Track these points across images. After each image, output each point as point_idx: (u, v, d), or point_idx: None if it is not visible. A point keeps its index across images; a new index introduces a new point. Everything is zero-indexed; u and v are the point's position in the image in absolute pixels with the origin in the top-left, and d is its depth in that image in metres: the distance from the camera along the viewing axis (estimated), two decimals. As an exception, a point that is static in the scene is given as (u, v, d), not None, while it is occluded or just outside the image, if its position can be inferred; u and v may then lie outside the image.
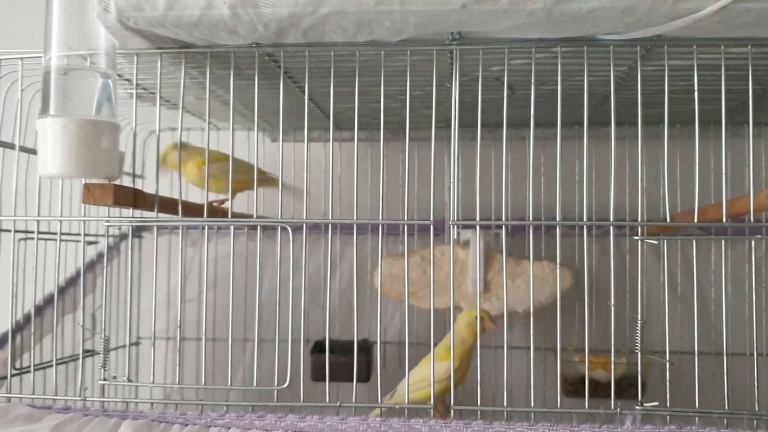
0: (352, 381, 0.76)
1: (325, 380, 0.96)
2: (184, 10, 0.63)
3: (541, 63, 0.74)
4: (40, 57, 0.67)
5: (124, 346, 1.05)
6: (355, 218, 0.72)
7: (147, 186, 1.10)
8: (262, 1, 0.61)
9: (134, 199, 0.68)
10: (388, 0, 0.61)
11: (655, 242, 0.75)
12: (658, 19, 0.62)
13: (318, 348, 1.08)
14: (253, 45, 0.70)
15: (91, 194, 0.65)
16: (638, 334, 0.71)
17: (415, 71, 0.77)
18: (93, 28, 0.67)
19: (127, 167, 0.73)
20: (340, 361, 0.87)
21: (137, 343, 1.12)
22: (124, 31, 0.66)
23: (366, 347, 1.05)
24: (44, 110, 0.64)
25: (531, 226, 0.90)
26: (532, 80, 0.70)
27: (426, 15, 0.63)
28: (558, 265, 0.81)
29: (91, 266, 0.97)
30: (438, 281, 1.04)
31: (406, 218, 0.72)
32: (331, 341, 1.11)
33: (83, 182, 0.68)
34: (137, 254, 1.13)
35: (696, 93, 0.71)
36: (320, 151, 1.16)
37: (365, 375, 1.02)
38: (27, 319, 0.79)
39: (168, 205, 0.76)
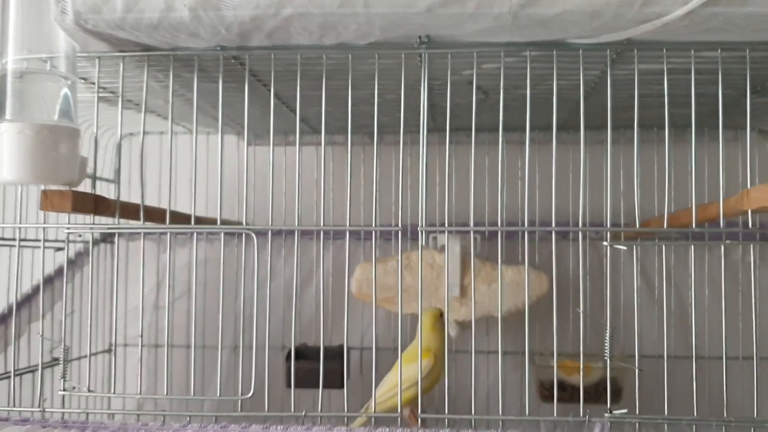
0: (326, 388, 0.75)
1: (304, 387, 0.96)
2: (143, 12, 0.61)
3: (512, 67, 0.73)
4: (-1, 60, 0.65)
5: (94, 354, 1.03)
6: (322, 224, 0.70)
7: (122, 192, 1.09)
8: (224, 4, 0.60)
9: (95, 205, 0.66)
10: (351, 2, 0.60)
11: (624, 248, 0.74)
12: (626, 23, 0.62)
13: (295, 355, 1.07)
14: (218, 48, 0.68)
15: (49, 201, 0.64)
16: (606, 340, 0.70)
17: (386, 75, 0.76)
18: (52, 30, 0.66)
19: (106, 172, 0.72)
20: (314, 368, 0.86)
21: (110, 350, 1.10)
22: (83, 34, 0.64)
23: (341, 353, 1.04)
24: (0, 114, 0.63)
25: (504, 232, 0.89)
26: (501, 84, 0.69)
27: (391, 18, 0.61)
28: (526, 270, 0.80)
29: (59, 273, 0.95)
30: (414, 286, 1.03)
31: (374, 224, 0.71)
32: (306, 348, 1.11)
33: (41, 188, 0.66)
34: (108, 260, 1.11)
35: (666, 97, 0.70)
36: (296, 155, 1.14)
37: (339, 382, 1.01)
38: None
39: (132, 210, 0.74)
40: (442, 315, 0.90)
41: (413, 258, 1.06)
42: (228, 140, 1.17)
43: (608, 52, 0.69)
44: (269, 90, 0.86)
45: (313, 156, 1.16)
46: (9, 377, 0.78)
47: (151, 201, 0.77)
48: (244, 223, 0.71)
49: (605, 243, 0.71)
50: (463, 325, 1.06)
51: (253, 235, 0.69)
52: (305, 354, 1.07)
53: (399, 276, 0.74)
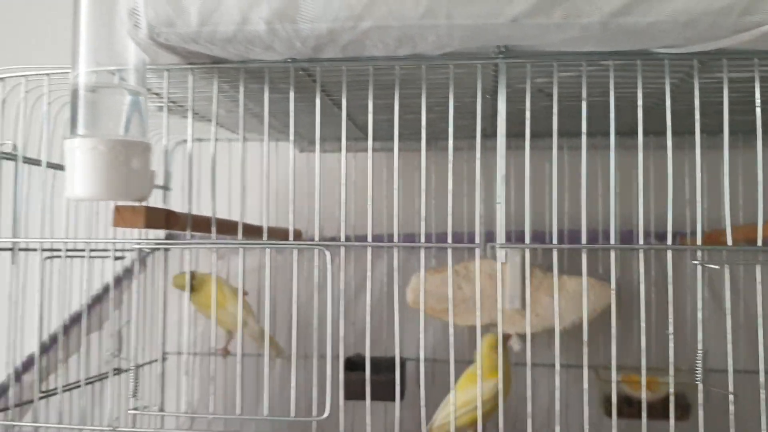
0: (381, 400, 0.73)
1: (356, 398, 0.94)
2: (218, 25, 0.60)
3: (589, 76, 0.71)
4: (67, 73, 0.64)
5: (148, 364, 1.03)
6: (396, 241, 0.68)
7: (173, 198, 1.08)
8: (301, 17, 0.58)
9: (166, 220, 0.65)
10: (434, 13, 0.58)
11: (716, 267, 0.71)
12: (722, 32, 0.59)
13: (348, 365, 1.05)
14: (289, 60, 0.67)
15: (121, 217, 0.63)
16: (698, 363, 0.68)
17: (454, 84, 0.73)
18: (122, 43, 0.64)
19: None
20: (374, 380, 0.84)
21: (163, 359, 1.09)
22: (155, 47, 0.63)
23: (400, 364, 1.02)
24: (72, 130, 0.61)
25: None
26: (584, 95, 0.66)
27: (473, 29, 0.59)
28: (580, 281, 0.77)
29: (117, 283, 0.94)
30: (473, 297, 1.00)
31: (450, 241, 0.69)
32: (363, 358, 1.09)
33: (113, 204, 0.65)
34: (164, 268, 1.10)
35: (759, 104, 0.67)
36: (349, 162, 1.13)
37: (394, 394, 0.99)
38: (53, 339, 0.77)
39: (200, 223, 0.73)
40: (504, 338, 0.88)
41: (471, 268, 1.03)
42: (282, 147, 1.16)
43: (695, 61, 0.66)
44: (331, 100, 0.84)
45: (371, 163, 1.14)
46: (73, 389, 0.77)
47: (207, 210, 0.76)
48: (316, 238, 0.69)
49: (695, 262, 0.68)
50: (524, 338, 1.04)
51: (327, 252, 0.68)
52: (360, 365, 1.05)
53: (453, 287, 0.71)
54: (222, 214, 0.80)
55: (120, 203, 0.65)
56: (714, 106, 0.74)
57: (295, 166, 0.73)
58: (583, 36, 0.60)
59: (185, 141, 1.10)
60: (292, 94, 0.69)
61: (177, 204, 1.03)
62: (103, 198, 0.61)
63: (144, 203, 0.65)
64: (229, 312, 0.88)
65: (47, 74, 0.70)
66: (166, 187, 1.08)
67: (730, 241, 0.70)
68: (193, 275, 0.86)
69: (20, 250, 0.74)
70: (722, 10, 0.57)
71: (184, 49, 0.64)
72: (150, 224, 0.63)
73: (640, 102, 0.67)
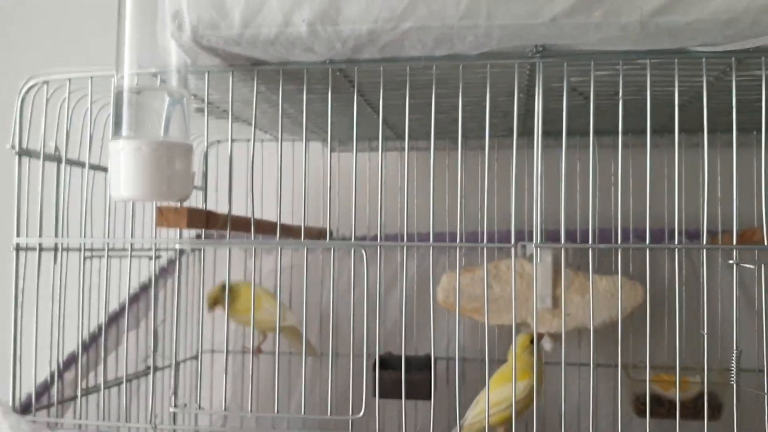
0: (413, 398, 0.74)
1: (388, 397, 0.94)
2: (261, 27, 0.61)
3: (625, 74, 0.71)
4: (110, 76, 0.65)
5: (183, 361, 1.04)
6: (431, 241, 0.69)
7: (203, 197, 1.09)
8: (342, 18, 0.59)
9: (207, 220, 0.66)
10: (474, 14, 0.58)
11: (752, 267, 0.71)
12: (763, 30, 0.59)
13: (379, 364, 1.05)
14: (327, 62, 0.67)
15: (164, 218, 0.64)
16: (733, 363, 0.68)
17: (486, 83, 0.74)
18: (164, 45, 0.66)
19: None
20: (401, 378, 0.84)
21: (196, 357, 1.11)
22: (197, 49, 0.64)
23: (427, 363, 1.02)
24: (116, 132, 0.63)
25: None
26: (620, 93, 0.66)
27: (512, 29, 0.60)
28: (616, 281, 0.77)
29: (154, 281, 0.95)
30: (503, 296, 1.01)
31: (485, 241, 0.69)
32: (393, 357, 1.10)
33: (155, 204, 0.66)
34: (199, 266, 1.12)
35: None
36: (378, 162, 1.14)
37: (426, 392, 1.00)
38: (93, 338, 0.78)
39: (238, 223, 0.74)
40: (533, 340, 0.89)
41: (502, 267, 1.03)
42: (312, 147, 1.17)
43: (732, 59, 0.66)
44: (365, 100, 0.84)
45: (397, 162, 1.15)
46: (113, 386, 0.78)
47: (239, 208, 0.77)
48: (352, 239, 0.70)
49: (731, 261, 0.68)
50: (556, 337, 1.04)
51: (364, 252, 0.68)
52: (391, 363, 1.06)
53: (485, 287, 0.72)
54: (255, 214, 0.81)
55: (162, 204, 0.66)
56: (747, 104, 0.74)
57: (328, 166, 0.74)
58: (621, 35, 0.60)
59: (218, 142, 1.12)
60: (330, 96, 0.70)
61: (210, 203, 1.05)
62: (147, 199, 0.62)
63: (185, 204, 0.66)
64: (266, 310, 0.89)
65: (91, 77, 0.72)
66: (201, 187, 1.09)
67: (767, 241, 0.69)
68: (221, 291, 0.87)
69: (63, 250, 0.75)
70: (764, 8, 0.57)
71: (225, 51, 0.65)
72: (192, 224, 0.64)
73: (676, 101, 0.67)
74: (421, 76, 0.73)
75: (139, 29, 0.64)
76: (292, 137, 1.10)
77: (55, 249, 0.74)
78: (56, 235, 0.73)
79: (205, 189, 1.03)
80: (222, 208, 0.73)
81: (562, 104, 0.86)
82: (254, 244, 0.70)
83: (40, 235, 0.72)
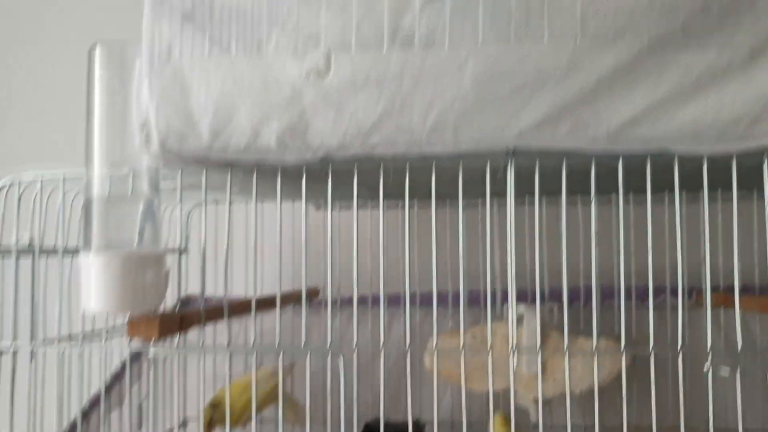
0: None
1: (376, 466, 0.93)
2: (230, 138, 0.61)
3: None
4: (82, 176, 0.65)
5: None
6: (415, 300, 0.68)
7: (190, 261, 1.08)
8: (311, 133, 0.59)
9: (180, 324, 0.66)
10: (442, 127, 0.58)
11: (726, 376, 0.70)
12: (731, 139, 0.58)
13: (367, 430, 1.04)
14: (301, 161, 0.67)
15: (136, 329, 0.63)
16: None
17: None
18: (135, 146, 0.65)
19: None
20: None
21: (184, 424, 1.10)
22: (167, 158, 0.64)
23: (419, 428, 1.02)
24: (86, 245, 0.62)
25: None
26: (592, 195, 0.65)
27: (480, 140, 0.59)
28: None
29: (135, 358, 0.95)
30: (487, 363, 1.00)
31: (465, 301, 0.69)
32: (379, 423, 1.09)
33: (127, 316, 0.66)
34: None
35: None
36: (365, 221, 1.13)
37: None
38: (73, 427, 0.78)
39: (216, 312, 0.73)
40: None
41: (485, 333, 1.03)
42: (297, 206, 1.16)
43: (705, 158, 0.65)
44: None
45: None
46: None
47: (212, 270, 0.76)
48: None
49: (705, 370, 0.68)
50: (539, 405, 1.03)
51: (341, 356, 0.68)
52: (378, 430, 1.05)
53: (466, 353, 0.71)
54: (240, 277, 0.81)
55: (134, 314, 0.65)
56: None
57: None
58: (591, 145, 0.60)
59: (201, 204, 1.12)
60: (304, 188, 0.68)
61: (193, 266, 1.04)
62: (118, 311, 0.62)
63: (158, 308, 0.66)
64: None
65: (63, 178, 0.71)
66: (182, 251, 1.08)
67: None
68: (211, 411, 0.86)
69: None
70: (731, 120, 0.57)
71: (196, 160, 0.65)
72: (164, 333, 0.64)
73: (649, 200, 0.66)
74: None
75: (107, 130, 0.63)
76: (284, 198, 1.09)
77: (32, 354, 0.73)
78: (31, 339, 0.72)
79: (181, 252, 1.03)
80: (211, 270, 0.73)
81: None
82: (228, 350, 0.69)
83: (14, 338, 0.72)
